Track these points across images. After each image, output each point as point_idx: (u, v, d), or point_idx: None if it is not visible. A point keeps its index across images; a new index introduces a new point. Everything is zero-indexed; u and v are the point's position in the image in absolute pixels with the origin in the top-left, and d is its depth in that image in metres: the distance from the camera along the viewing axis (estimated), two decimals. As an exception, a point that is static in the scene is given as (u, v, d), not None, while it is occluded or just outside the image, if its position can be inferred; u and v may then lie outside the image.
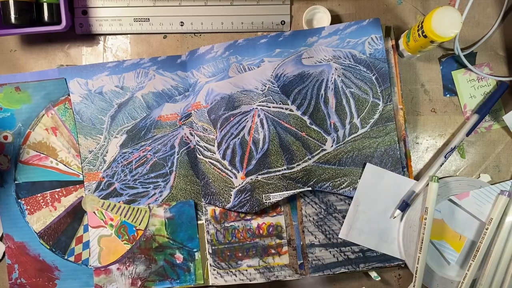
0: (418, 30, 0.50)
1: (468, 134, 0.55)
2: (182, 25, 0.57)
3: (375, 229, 0.54)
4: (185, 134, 0.56)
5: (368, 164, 0.54)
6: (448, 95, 0.58)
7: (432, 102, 0.58)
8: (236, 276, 0.54)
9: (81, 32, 0.57)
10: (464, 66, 0.57)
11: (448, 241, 0.55)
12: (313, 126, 0.54)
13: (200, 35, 0.58)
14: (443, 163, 0.55)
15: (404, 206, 0.53)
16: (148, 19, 0.57)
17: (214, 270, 0.54)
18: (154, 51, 0.57)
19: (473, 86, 0.57)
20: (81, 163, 0.55)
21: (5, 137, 0.55)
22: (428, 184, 0.53)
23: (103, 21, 0.57)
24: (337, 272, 0.54)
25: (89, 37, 0.58)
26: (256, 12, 0.57)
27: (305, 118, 0.54)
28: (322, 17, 0.57)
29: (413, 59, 0.58)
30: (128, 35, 0.58)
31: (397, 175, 0.54)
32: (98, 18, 0.57)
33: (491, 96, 0.56)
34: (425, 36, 0.49)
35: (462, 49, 0.57)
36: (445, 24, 0.47)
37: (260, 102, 0.54)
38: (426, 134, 0.58)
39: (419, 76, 0.58)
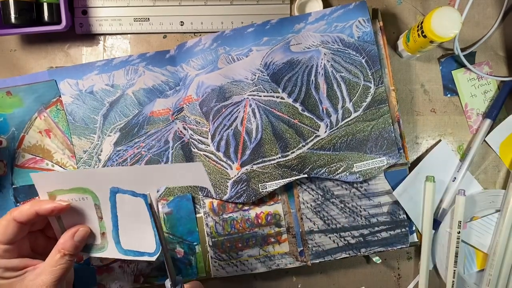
0: (417, 30, 0.50)
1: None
2: (182, 25, 0.57)
3: (421, 202, 0.55)
4: (178, 128, 0.56)
5: (443, 142, 0.56)
6: (448, 95, 0.58)
7: (432, 102, 0.58)
8: (237, 267, 0.54)
9: (81, 32, 0.57)
10: (464, 66, 0.57)
11: (477, 253, 0.56)
12: (306, 113, 0.54)
13: (200, 35, 0.58)
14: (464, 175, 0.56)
15: (438, 225, 0.55)
16: (148, 19, 0.57)
17: (215, 262, 0.54)
18: (154, 51, 0.57)
19: (473, 85, 0.57)
20: (77, 164, 0.55)
21: (0, 142, 0.56)
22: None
23: (103, 21, 0.57)
24: (338, 258, 0.54)
25: (89, 37, 0.58)
26: (256, 11, 0.57)
27: (297, 105, 0.54)
28: (314, 5, 0.57)
29: (413, 59, 0.58)
30: (128, 35, 0.58)
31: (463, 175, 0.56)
32: (98, 18, 0.57)
33: (497, 97, 0.56)
34: (424, 36, 0.49)
35: (462, 49, 0.57)
36: (445, 24, 0.47)
37: (250, 91, 0.54)
38: (426, 134, 0.58)
39: (418, 76, 0.58)
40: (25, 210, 0.38)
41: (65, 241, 0.40)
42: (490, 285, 0.54)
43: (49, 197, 0.41)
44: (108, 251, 0.43)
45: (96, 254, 0.43)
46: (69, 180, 0.41)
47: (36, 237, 0.43)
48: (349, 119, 0.54)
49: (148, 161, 0.55)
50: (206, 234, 0.55)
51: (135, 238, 0.42)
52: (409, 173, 0.55)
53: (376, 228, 0.54)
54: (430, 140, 0.58)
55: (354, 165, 0.53)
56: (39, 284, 0.38)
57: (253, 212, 0.55)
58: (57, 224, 0.42)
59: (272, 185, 0.53)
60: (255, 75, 0.54)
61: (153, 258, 0.42)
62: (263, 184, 0.53)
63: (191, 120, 0.55)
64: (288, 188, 0.55)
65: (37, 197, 0.55)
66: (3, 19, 0.53)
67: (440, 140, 0.57)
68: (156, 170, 0.40)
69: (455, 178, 0.56)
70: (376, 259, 0.55)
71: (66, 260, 0.39)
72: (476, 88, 0.57)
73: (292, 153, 0.53)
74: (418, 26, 0.50)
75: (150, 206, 0.40)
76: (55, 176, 0.41)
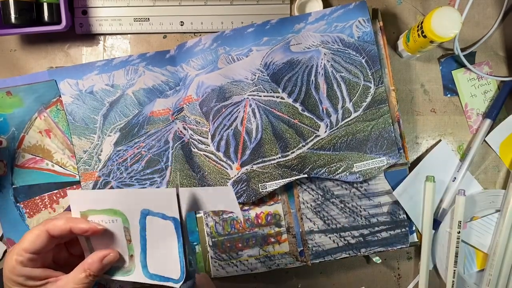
0: (417, 30, 0.50)
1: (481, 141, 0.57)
2: (182, 25, 0.57)
3: (421, 202, 0.55)
4: (178, 128, 0.56)
5: (443, 142, 0.56)
6: (448, 95, 0.58)
7: (431, 102, 0.58)
8: (237, 267, 0.54)
9: (81, 32, 0.57)
10: (464, 66, 0.57)
11: (477, 253, 0.56)
12: (306, 113, 0.54)
13: (200, 35, 0.58)
14: (464, 175, 0.56)
15: (438, 225, 0.55)
16: (148, 19, 0.57)
17: (215, 262, 0.54)
18: (154, 51, 0.57)
19: (473, 85, 0.57)
20: (77, 164, 0.55)
21: (0, 142, 0.56)
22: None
23: (103, 21, 0.57)
24: (338, 258, 0.54)
25: (89, 37, 0.58)
26: (256, 11, 0.57)
27: (297, 105, 0.54)
28: (314, 5, 0.57)
29: (413, 59, 0.58)
30: (128, 35, 0.58)
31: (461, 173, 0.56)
32: (98, 18, 0.57)
33: (497, 97, 0.56)
34: (424, 36, 0.49)
35: (462, 49, 0.57)
36: (445, 24, 0.47)
37: (250, 91, 0.54)
38: (426, 134, 0.58)
39: (418, 76, 0.58)
40: (59, 225, 0.38)
41: (93, 262, 0.40)
42: (490, 285, 0.54)
43: (81, 215, 0.41)
44: (134, 274, 0.42)
45: (121, 278, 0.42)
46: (103, 200, 0.40)
47: (60, 250, 0.43)
48: (349, 119, 0.54)
49: (148, 161, 0.55)
50: (206, 234, 0.55)
51: (161, 263, 0.41)
52: (409, 173, 0.55)
53: (376, 228, 0.54)
54: (430, 140, 0.58)
55: (354, 165, 0.53)
56: None
57: (253, 212, 0.55)
58: (85, 243, 0.42)
59: (272, 185, 0.53)
60: (255, 75, 0.54)
61: (178, 285, 0.41)
62: (263, 184, 0.53)
63: (191, 120, 0.55)
64: (288, 188, 0.55)
65: (37, 198, 0.55)
66: (3, 19, 0.53)
67: (440, 140, 0.57)
68: (185, 193, 0.39)
69: (455, 178, 0.56)
70: (376, 259, 0.55)
71: (90, 280, 0.39)
72: (476, 88, 0.57)
73: (292, 153, 0.53)
74: (418, 26, 0.50)
75: (182, 227, 0.39)
76: (91, 195, 0.41)
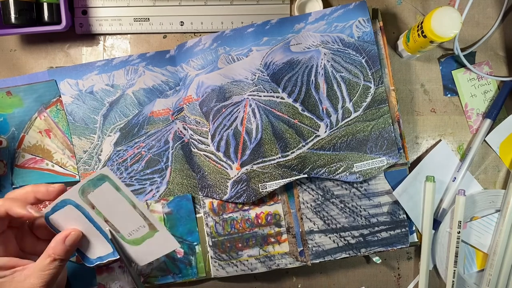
0: (417, 30, 0.50)
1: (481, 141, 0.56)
2: (182, 25, 0.57)
3: (421, 202, 0.55)
4: (178, 128, 0.56)
5: (443, 142, 0.56)
6: (448, 95, 0.58)
7: (431, 102, 0.58)
8: (237, 267, 0.54)
9: (81, 32, 0.57)
10: (464, 66, 0.57)
11: (477, 253, 0.56)
12: (306, 113, 0.54)
13: (200, 35, 0.57)
14: (464, 175, 0.56)
15: (438, 225, 0.55)
16: (148, 19, 0.57)
17: (215, 262, 0.54)
18: (154, 51, 0.57)
19: (473, 85, 0.57)
20: (77, 164, 0.55)
21: (0, 142, 0.56)
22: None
23: (103, 21, 0.57)
24: (338, 258, 0.54)
25: (89, 37, 0.58)
26: (256, 11, 0.57)
27: (297, 105, 0.54)
28: (314, 5, 0.57)
29: (413, 59, 0.58)
30: (128, 35, 0.58)
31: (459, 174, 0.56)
32: (98, 18, 0.57)
33: (497, 97, 0.56)
34: (424, 36, 0.49)
35: (462, 49, 0.57)
36: (445, 24, 0.47)
37: (250, 91, 0.54)
38: (426, 134, 0.58)
39: (418, 76, 0.58)
40: None
41: (56, 244, 0.38)
42: (490, 285, 0.54)
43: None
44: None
45: (103, 261, 0.43)
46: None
47: (22, 235, 0.41)
48: (349, 119, 0.54)
49: (148, 161, 0.55)
50: (206, 234, 0.55)
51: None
52: (409, 173, 0.55)
53: (376, 228, 0.54)
54: (430, 140, 0.58)
55: (354, 165, 0.53)
56: (27, 287, 0.37)
57: (253, 212, 0.55)
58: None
59: (272, 185, 0.53)
60: (255, 75, 0.54)
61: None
62: (263, 184, 0.53)
63: (191, 120, 0.55)
64: (288, 188, 0.55)
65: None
66: (3, 19, 0.53)
67: (440, 140, 0.57)
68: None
69: (455, 178, 0.56)
70: (376, 259, 0.55)
71: (56, 265, 0.38)
72: (476, 88, 0.57)
73: (292, 153, 0.53)
74: (418, 26, 0.50)
75: (112, 242, 0.40)
76: None
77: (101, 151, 0.55)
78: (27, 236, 0.42)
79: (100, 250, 0.43)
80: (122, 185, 0.40)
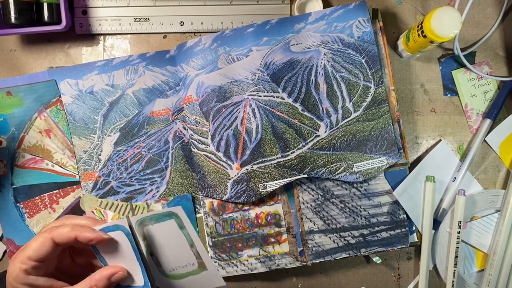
0: (417, 30, 0.50)
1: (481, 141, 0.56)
2: (182, 25, 0.57)
3: (421, 202, 0.55)
4: (178, 128, 0.56)
5: (443, 142, 0.56)
6: (448, 95, 0.58)
7: (431, 102, 0.58)
8: (237, 267, 0.54)
9: (81, 32, 0.57)
10: (464, 66, 0.57)
11: (477, 253, 0.56)
12: (306, 113, 0.54)
13: (200, 35, 0.57)
14: (464, 175, 0.56)
15: (438, 225, 0.55)
16: (148, 19, 0.57)
17: (215, 262, 0.54)
18: (154, 51, 0.57)
19: (473, 85, 0.57)
20: (77, 164, 0.55)
21: (0, 142, 0.56)
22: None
23: (103, 21, 0.57)
24: (338, 258, 0.54)
25: (89, 37, 0.58)
26: (256, 11, 0.57)
27: (297, 105, 0.54)
28: (314, 5, 0.57)
29: (413, 59, 0.58)
30: (128, 35, 0.58)
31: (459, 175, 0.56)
32: (98, 18, 0.57)
33: (497, 97, 0.56)
34: (424, 36, 0.49)
35: (462, 49, 0.57)
36: (445, 24, 0.47)
37: (250, 91, 0.54)
38: (426, 134, 0.58)
39: (418, 76, 0.58)
40: (65, 232, 0.38)
41: (101, 278, 0.39)
42: (490, 285, 0.54)
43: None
44: None
45: None
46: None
47: (63, 257, 0.42)
48: (349, 119, 0.54)
49: (148, 161, 0.55)
50: (206, 234, 0.55)
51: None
52: (409, 173, 0.55)
53: (376, 228, 0.54)
54: (430, 140, 0.58)
55: (354, 165, 0.53)
56: None
57: (253, 212, 0.55)
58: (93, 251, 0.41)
59: (272, 185, 0.53)
60: (255, 75, 0.54)
61: None
62: (263, 184, 0.53)
63: (191, 120, 0.55)
64: (288, 188, 0.55)
65: (37, 198, 0.55)
66: (3, 19, 0.53)
67: (440, 140, 0.57)
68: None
69: (455, 178, 0.56)
70: (376, 259, 0.55)
71: None
72: (476, 88, 0.57)
73: (292, 153, 0.53)
74: (418, 26, 0.50)
75: (132, 235, 0.39)
76: None
77: (101, 151, 0.55)
78: (66, 257, 0.43)
79: (131, 280, 0.42)
80: (189, 224, 0.39)
